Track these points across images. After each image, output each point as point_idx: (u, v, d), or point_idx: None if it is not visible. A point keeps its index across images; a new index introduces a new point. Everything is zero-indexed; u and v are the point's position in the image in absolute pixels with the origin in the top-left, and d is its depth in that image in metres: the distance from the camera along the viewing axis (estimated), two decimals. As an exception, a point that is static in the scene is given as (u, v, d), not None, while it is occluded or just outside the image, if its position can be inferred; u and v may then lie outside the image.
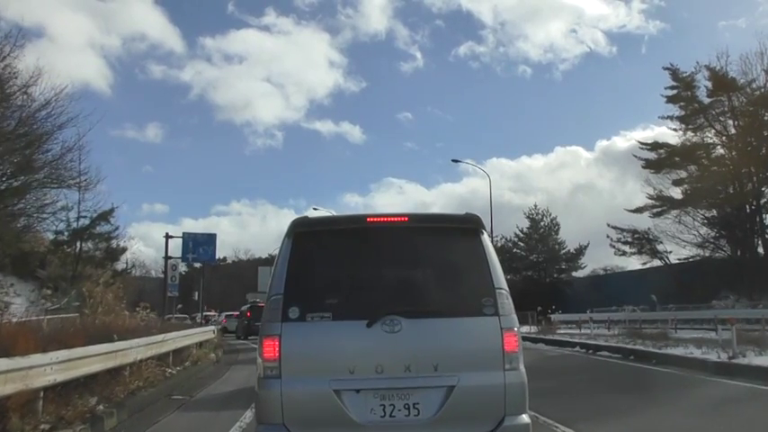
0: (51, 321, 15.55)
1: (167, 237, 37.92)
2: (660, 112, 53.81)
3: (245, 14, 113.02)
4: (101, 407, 8.68)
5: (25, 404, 7.31)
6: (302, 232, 4.77)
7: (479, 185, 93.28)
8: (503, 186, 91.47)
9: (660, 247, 43.52)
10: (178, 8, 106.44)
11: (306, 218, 4.98)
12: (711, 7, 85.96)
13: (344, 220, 5.22)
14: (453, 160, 53.96)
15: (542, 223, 57.38)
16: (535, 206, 58.46)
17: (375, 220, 4.86)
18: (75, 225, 30.55)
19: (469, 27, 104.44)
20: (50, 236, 31.47)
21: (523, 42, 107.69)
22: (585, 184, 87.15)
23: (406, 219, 4.88)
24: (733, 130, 39.81)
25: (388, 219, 4.88)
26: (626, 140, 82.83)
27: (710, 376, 11.91)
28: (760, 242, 38.66)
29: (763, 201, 38.74)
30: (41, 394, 7.67)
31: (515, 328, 4.56)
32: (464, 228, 4.90)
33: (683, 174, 41.44)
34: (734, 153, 38.98)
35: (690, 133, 41.65)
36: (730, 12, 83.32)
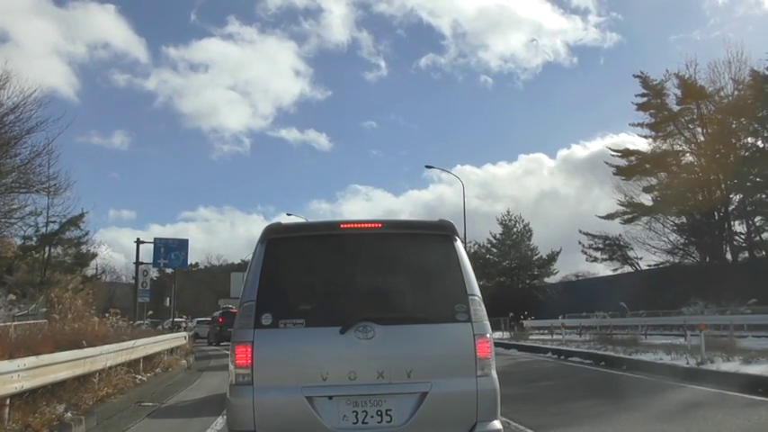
0: (19, 327, 15.28)
1: (138, 242, 37.45)
2: (619, 121, 55.20)
3: (208, 24, 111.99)
4: (69, 414, 8.56)
5: (-9, 412, 7.20)
6: (275, 238, 4.74)
7: (446, 192, 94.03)
8: (469, 193, 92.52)
9: (631, 254, 44.19)
10: (141, 17, 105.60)
11: (279, 224, 4.93)
12: (666, 20, 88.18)
13: (318, 227, 5.21)
14: (427, 166, 54.00)
15: (515, 229, 57.61)
16: (508, 212, 58.60)
17: (348, 226, 4.85)
18: (43, 230, 30.05)
19: (431, 38, 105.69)
20: (18, 241, 30.87)
21: (484, 52, 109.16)
22: (550, 191, 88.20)
23: (380, 225, 4.87)
24: (702, 138, 40.44)
25: (362, 225, 4.86)
26: (584, 149, 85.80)
27: (680, 382, 12.04)
28: (728, 249, 39.32)
29: (731, 208, 39.42)
30: (8, 402, 7.53)
31: (488, 335, 4.58)
32: (437, 234, 4.90)
33: (654, 181, 42.01)
34: (702, 160, 39.61)
35: (660, 140, 42.24)
36: (684, 25, 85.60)
